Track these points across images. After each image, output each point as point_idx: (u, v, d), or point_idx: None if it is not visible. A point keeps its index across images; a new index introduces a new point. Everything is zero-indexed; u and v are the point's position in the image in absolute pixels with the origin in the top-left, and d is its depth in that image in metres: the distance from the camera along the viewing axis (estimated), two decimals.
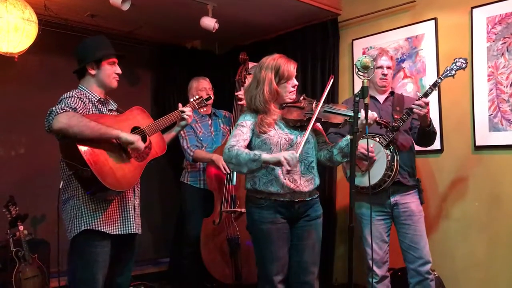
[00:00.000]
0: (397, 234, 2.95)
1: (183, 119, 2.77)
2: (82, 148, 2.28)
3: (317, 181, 2.54)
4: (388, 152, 2.82)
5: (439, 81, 2.77)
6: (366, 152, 2.66)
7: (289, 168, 2.25)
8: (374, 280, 2.92)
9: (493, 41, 3.17)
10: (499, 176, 3.16)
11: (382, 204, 2.92)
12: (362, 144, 2.74)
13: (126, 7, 3.43)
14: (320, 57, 4.14)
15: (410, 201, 2.91)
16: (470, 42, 3.27)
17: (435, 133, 2.93)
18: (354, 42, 3.98)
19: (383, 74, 2.98)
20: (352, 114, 2.29)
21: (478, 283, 3.23)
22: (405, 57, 3.65)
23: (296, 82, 2.52)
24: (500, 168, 3.15)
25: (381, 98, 3.06)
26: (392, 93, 3.10)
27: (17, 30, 3.24)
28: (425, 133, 2.87)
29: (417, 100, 2.75)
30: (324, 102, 2.47)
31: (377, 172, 2.82)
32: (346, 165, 2.96)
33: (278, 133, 2.45)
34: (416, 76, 3.59)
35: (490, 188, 3.19)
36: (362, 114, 2.27)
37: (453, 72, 2.75)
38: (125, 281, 2.66)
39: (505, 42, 3.13)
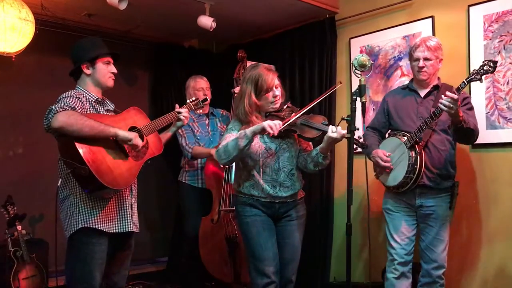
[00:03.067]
0: (420, 233, 2.92)
1: (179, 119, 2.81)
2: (80, 146, 2.30)
3: (298, 185, 2.67)
4: (412, 153, 2.75)
5: (463, 85, 2.56)
6: (380, 161, 2.86)
7: (271, 132, 2.35)
8: (394, 276, 2.88)
9: (490, 39, 3.18)
10: (497, 174, 3.16)
11: (410, 204, 2.89)
12: (379, 151, 2.90)
13: (123, 6, 3.43)
14: (318, 56, 4.14)
15: (437, 205, 2.82)
16: (467, 40, 3.28)
17: (473, 130, 2.72)
18: (352, 40, 3.98)
19: (419, 67, 2.84)
20: (325, 130, 2.43)
21: (476, 281, 3.24)
22: (402, 55, 3.65)
23: (277, 93, 2.59)
24: (498, 166, 3.16)
25: (423, 92, 2.92)
26: (436, 87, 2.89)
27: (14, 30, 3.23)
28: (458, 130, 2.69)
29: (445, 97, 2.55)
30: (305, 113, 2.56)
31: (399, 173, 2.79)
32: (376, 168, 2.99)
33: (259, 142, 2.58)
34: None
35: (488, 186, 3.20)
36: (332, 128, 2.41)
37: (478, 76, 2.54)
38: (122, 279, 2.67)
39: (502, 40, 3.13)
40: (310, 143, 2.69)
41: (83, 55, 2.55)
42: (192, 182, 3.84)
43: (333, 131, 2.41)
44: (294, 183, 2.62)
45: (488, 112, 3.19)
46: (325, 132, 2.45)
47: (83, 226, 2.41)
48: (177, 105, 2.87)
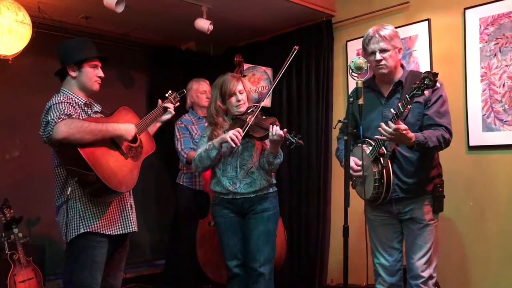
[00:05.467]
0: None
1: (166, 113, 2.83)
2: (84, 153, 2.27)
3: (261, 183, 2.84)
4: (376, 168, 2.47)
5: (406, 102, 2.26)
6: (351, 171, 2.52)
7: (234, 146, 2.67)
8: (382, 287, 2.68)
9: (486, 42, 3.19)
10: (493, 176, 3.18)
11: (388, 211, 2.63)
12: (350, 159, 2.50)
13: (120, 9, 3.43)
14: (315, 58, 4.15)
15: (415, 208, 2.54)
16: (463, 43, 3.29)
17: (433, 147, 2.42)
18: (348, 43, 3.99)
19: (376, 61, 2.50)
20: (268, 132, 2.63)
21: (473, 283, 3.25)
22: None
23: (240, 98, 2.84)
24: (494, 168, 3.17)
25: (386, 90, 2.59)
26: (399, 83, 2.55)
27: (11, 33, 3.23)
28: (415, 150, 2.44)
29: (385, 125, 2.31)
30: (261, 114, 2.83)
31: (368, 188, 2.54)
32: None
33: None
34: None
35: (484, 188, 3.21)
36: (271, 129, 2.61)
37: (420, 92, 2.20)
38: (118, 281, 2.66)
39: (497, 43, 3.15)
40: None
41: (70, 57, 2.49)
42: (190, 185, 3.84)
43: (272, 133, 2.63)
44: (254, 180, 2.83)
45: (484, 115, 3.20)
46: (290, 140, 2.65)
47: (85, 230, 2.38)
48: (159, 101, 2.87)
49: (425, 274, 2.53)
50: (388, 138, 2.34)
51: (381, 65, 2.50)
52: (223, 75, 2.93)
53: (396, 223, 2.65)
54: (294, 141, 2.63)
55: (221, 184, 2.84)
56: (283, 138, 2.64)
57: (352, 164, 2.52)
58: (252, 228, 2.84)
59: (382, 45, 2.48)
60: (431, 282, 2.55)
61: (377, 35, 2.49)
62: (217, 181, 2.88)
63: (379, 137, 2.39)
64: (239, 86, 2.86)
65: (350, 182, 2.72)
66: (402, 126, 2.29)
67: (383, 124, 2.32)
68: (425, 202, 2.55)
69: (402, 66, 2.64)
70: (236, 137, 2.66)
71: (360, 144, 2.58)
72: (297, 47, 2.84)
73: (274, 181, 2.96)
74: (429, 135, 2.41)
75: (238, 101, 2.84)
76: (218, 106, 2.87)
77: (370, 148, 2.52)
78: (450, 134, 2.50)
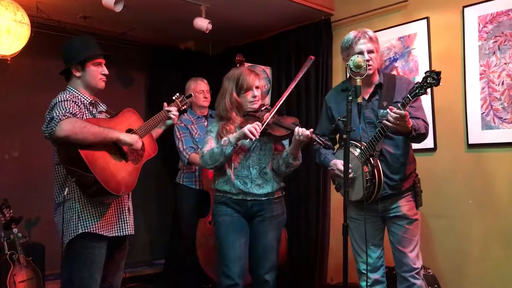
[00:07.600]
0: (388, 234, 2.76)
1: (169, 118, 2.78)
2: (84, 154, 2.26)
3: (273, 185, 2.70)
4: (366, 168, 2.50)
5: (408, 100, 2.32)
6: (340, 174, 2.56)
7: (252, 137, 2.50)
8: (366, 284, 2.69)
9: (485, 40, 3.19)
10: (492, 174, 3.17)
11: (373, 210, 2.66)
12: (337, 162, 2.61)
13: (119, 8, 3.43)
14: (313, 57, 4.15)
15: (401, 205, 2.62)
16: (462, 41, 3.29)
17: (423, 134, 2.53)
18: None
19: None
20: (292, 129, 2.52)
21: (472, 281, 3.25)
22: (397, 56, 3.66)
23: (256, 93, 2.70)
24: (493, 166, 3.17)
25: (366, 93, 2.62)
26: (379, 85, 2.64)
27: (9, 33, 3.23)
28: (408, 138, 2.54)
29: (391, 112, 2.34)
30: (277, 113, 2.67)
31: (359, 189, 2.55)
32: (335, 180, 2.76)
33: None
34: (409, 75, 3.60)
35: (484, 186, 3.21)
36: (297, 130, 2.50)
37: (422, 90, 2.27)
38: (118, 281, 2.66)
39: (496, 41, 3.15)
40: (285, 146, 2.76)
41: (73, 57, 2.48)
42: (190, 184, 3.84)
43: (298, 134, 2.50)
44: (266, 181, 2.69)
45: (484, 113, 3.20)
46: (293, 132, 2.54)
47: (83, 231, 2.39)
48: (165, 104, 2.83)
49: (418, 265, 2.64)
50: (393, 123, 2.35)
51: (369, 65, 2.53)
52: (237, 69, 2.79)
53: (378, 220, 2.71)
54: (321, 142, 2.49)
55: (231, 183, 2.65)
56: (310, 138, 2.50)
57: (340, 167, 2.57)
58: (260, 234, 2.69)
59: (370, 46, 2.57)
60: (421, 272, 2.68)
61: (366, 35, 2.58)
62: (226, 179, 2.68)
63: (386, 123, 2.38)
64: (257, 82, 2.72)
65: (334, 186, 2.82)
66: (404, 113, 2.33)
67: (395, 110, 2.32)
68: (409, 198, 2.64)
69: (377, 69, 2.72)
70: (256, 130, 2.51)
71: (342, 147, 2.56)
72: (313, 57, 2.81)
73: (283, 184, 2.81)
74: (416, 122, 2.50)
75: (254, 96, 2.70)
76: (234, 99, 2.68)
77: (357, 149, 2.54)
78: (428, 124, 2.61)
